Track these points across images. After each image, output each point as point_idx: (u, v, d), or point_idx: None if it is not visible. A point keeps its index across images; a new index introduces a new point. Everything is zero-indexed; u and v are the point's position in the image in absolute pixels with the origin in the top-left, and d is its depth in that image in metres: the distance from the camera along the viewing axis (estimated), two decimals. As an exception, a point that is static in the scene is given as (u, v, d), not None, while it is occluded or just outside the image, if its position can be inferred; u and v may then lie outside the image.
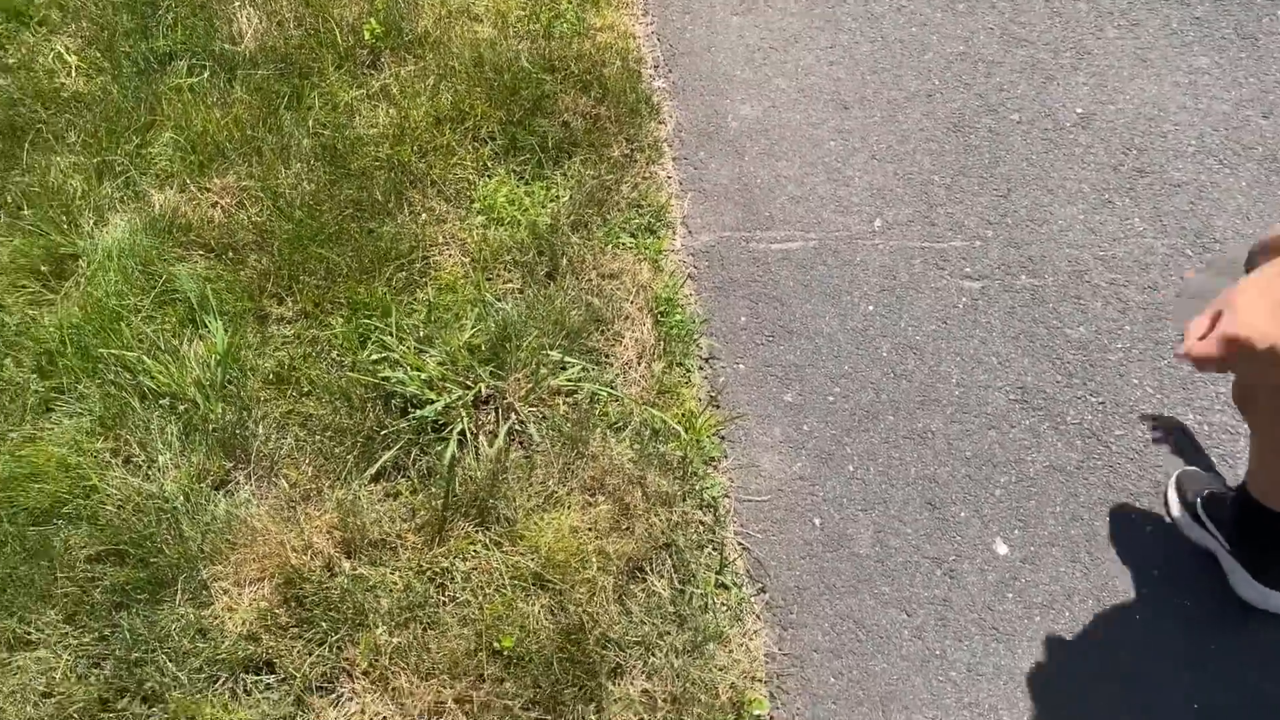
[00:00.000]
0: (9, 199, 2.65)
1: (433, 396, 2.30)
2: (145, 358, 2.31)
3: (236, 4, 3.09)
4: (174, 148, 2.76)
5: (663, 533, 2.18)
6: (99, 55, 2.96)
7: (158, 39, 2.98)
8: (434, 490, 2.22)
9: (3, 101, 2.81)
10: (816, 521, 2.28)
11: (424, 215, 2.70)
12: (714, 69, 3.20)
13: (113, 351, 2.32)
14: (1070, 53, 3.12)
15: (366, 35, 3.04)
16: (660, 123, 3.04)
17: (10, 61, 2.94)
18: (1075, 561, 2.18)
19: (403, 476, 2.27)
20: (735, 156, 2.97)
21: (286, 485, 2.22)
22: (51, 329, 2.38)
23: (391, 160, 2.77)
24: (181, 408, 2.27)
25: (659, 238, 2.74)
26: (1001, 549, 2.21)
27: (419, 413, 2.27)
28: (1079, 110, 2.97)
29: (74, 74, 2.93)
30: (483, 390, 2.33)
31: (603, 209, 2.74)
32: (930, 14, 3.30)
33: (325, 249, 2.55)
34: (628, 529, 2.18)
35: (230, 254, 2.57)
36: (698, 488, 2.27)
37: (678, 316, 2.56)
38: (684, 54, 3.25)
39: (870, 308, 2.61)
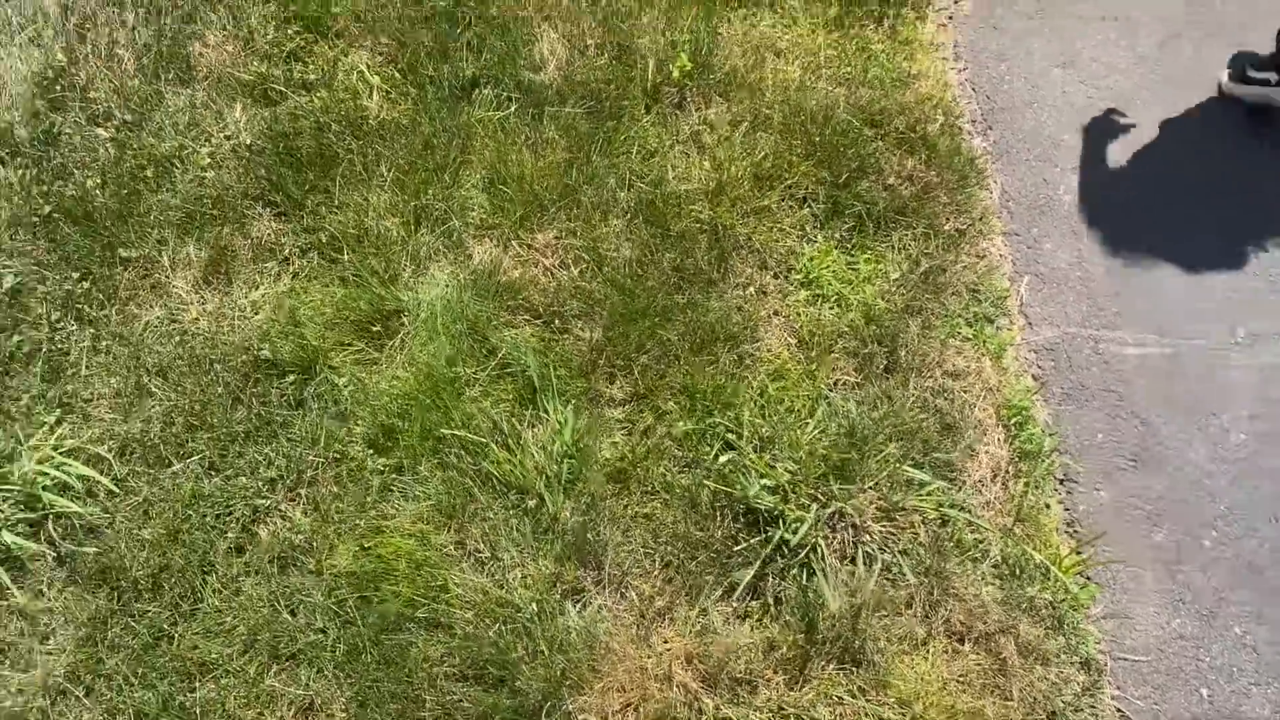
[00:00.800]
0: (322, 238, 2.52)
1: (788, 511, 2.14)
2: (492, 444, 2.18)
3: (536, 27, 2.90)
4: (489, 193, 2.60)
5: (1044, 696, 2.01)
6: (400, 77, 2.81)
7: (461, 62, 2.81)
8: (789, 620, 2.08)
9: (311, 127, 2.67)
10: (1204, 693, 2.09)
11: (750, 288, 2.52)
12: (1038, 129, 2.94)
13: (456, 434, 2.20)
14: None
15: (675, 73, 2.83)
16: (986, 190, 2.80)
17: (311, 77, 2.79)
18: None
19: (754, 598, 2.12)
20: (1072, 237, 2.73)
21: (637, 599, 2.09)
22: (386, 398, 2.26)
23: (713, 222, 2.58)
24: (531, 503, 2.14)
25: (999, 330, 2.53)
26: None
27: (777, 533, 2.12)
28: None
29: (376, 96, 2.77)
30: (841, 507, 2.17)
31: (940, 294, 2.53)
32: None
33: (656, 325, 2.39)
34: (1004, 690, 2.02)
35: (557, 322, 2.42)
36: (1073, 642, 2.09)
37: (1031, 429, 2.36)
38: (1003, 109, 2.99)
39: (1242, 436, 2.38)
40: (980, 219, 2.70)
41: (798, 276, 2.57)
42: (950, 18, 3.21)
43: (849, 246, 2.63)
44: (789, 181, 2.68)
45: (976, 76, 3.08)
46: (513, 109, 2.75)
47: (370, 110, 2.74)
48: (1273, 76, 2.80)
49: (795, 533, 2.11)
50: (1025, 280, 2.66)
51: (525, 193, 2.59)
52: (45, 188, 2.58)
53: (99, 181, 2.58)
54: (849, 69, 2.93)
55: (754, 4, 3.06)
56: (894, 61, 2.98)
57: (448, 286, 2.44)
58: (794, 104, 2.79)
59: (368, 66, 2.82)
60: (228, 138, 2.69)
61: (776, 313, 2.52)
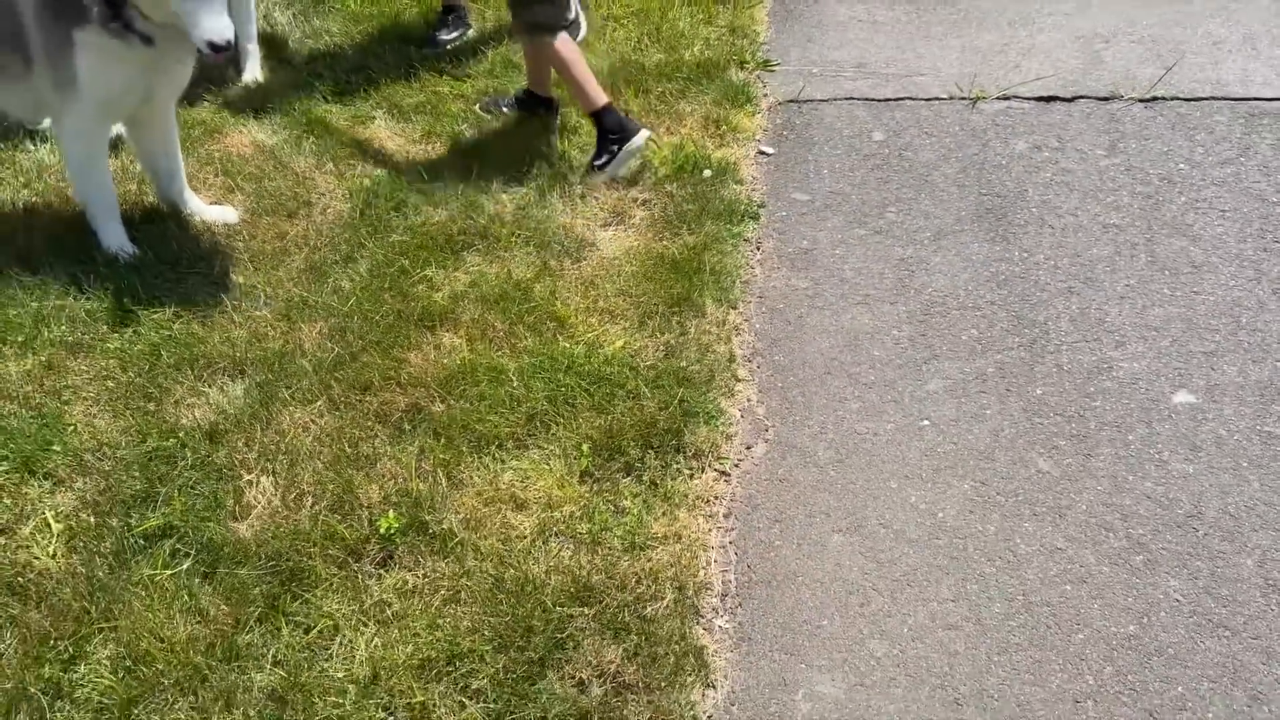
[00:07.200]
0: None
1: None
2: None
3: (249, 475, 2.72)
4: (113, 669, 2.30)
5: None
6: (90, 521, 2.62)
7: (152, 509, 2.62)
8: None
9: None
10: None
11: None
12: (794, 612, 2.51)
13: None
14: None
15: (382, 527, 2.57)
16: (710, 686, 2.35)
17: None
18: None
19: None
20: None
21: None
22: None
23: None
24: None
25: None
26: None
27: None
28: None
29: (55, 543, 2.58)
30: None
31: None
32: (1094, 567, 2.54)
33: None
34: None
35: None
36: None
37: None
38: (761, 583, 2.59)
39: None
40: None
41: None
42: (736, 465, 2.90)
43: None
44: (462, 669, 2.31)
45: (744, 539, 2.71)
46: (185, 566, 2.51)
47: (35, 561, 2.54)
48: None
49: None
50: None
51: (146, 675, 2.28)
52: None
53: None
54: (584, 527, 2.62)
55: (501, 449, 2.83)
56: (643, 520, 2.65)
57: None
58: (498, 577, 2.47)
59: (56, 513, 2.65)
60: None
61: None
